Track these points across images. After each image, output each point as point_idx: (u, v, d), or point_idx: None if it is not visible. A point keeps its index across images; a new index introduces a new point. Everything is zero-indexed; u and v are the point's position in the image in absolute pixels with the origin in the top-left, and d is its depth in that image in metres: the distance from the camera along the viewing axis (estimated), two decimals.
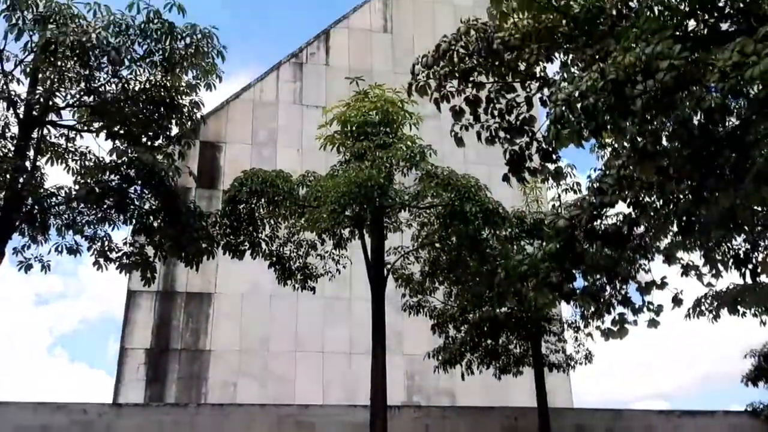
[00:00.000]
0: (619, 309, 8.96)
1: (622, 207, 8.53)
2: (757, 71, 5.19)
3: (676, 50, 5.72)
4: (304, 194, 12.81)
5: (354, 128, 13.18)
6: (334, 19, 25.56)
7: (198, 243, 11.72)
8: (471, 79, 9.28)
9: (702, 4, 7.18)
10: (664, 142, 7.58)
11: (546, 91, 9.40)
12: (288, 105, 24.18)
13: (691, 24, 7.83)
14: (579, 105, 6.14)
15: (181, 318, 20.84)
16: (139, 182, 11.37)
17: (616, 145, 8.40)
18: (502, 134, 9.36)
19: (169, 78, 11.65)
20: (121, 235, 36.50)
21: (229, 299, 21.09)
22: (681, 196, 8.04)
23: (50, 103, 10.95)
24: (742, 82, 5.38)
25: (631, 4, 8.56)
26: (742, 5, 7.47)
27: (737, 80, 5.35)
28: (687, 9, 7.48)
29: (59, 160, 11.91)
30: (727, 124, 6.75)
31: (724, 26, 8.04)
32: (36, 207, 10.56)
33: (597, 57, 8.07)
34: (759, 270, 9.11)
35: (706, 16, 7.59)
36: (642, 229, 8.64)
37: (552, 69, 9.57)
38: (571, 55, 9.32)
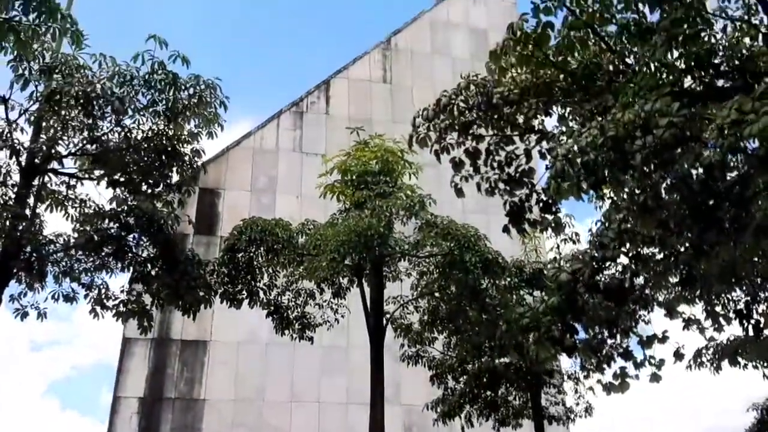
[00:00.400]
0: (621, 362, 8.88)
1: (623, 258, 8.55)
2: (755, 129, 5.26)
3: (674, 108, 5.81)
4: (303, 242, 12.80)
5: (354, 177, 13.26)
6: (334, 70, 25.99)
7: (196, 292, 11.65)
8: (471, 131, 9.39)
9: (698, 61, 7.32)
10: (664, 195, 7.64)
11: (545, 144, 9.52)
12: (288, 152, 24.39)
13: (687, 80, 8.00)
14: (579, 160, 6.20)
15: (175, 366, 20.57)
16: (138, 230, 11.37)
17: (615, 198, 8.45)
18: (501, 186, 9.43)
19: (171, 127, 11.76)
20: (118, 282, 36.30)
21: (224, 347, 20.86)
22: (681, 249, 8.05)
23: (52, 151, 11.03)
24: (741, 139, 5.44)
25: (627, 60, 8.75)
26: (737, 63, 7.63)
27: (736, 137, 5.42)
28: (683, 66, 7.64)
29: (59, 207, 11.93)
30: (726, 178, 6.81)
31: (720, 82, 8.22)
32: (34, 255, 10.53)
33: (595, 112, 8.21)
34: (762, 324, 9.07)
35: (702, 73, 7.75)
36: (642, 280, 8.63)
37: (550, 122, 9.71)
38: (568, 109, 9.49)
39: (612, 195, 8.62)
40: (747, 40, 8.01)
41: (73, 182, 11.86)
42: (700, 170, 6.55)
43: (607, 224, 7.46)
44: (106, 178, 11.53)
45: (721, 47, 7.65)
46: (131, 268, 11.63)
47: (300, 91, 25.81)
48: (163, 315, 19.75)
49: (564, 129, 8.90)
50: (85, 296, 11.57)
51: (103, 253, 11.31)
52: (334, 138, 22.71)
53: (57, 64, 10.52)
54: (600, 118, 8.25)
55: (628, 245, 7.15)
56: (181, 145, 11.94)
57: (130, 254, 11.52)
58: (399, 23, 27.46)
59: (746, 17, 7.71)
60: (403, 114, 24.60)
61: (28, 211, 11.02)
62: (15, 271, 10.64)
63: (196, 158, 12.29)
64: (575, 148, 6.16)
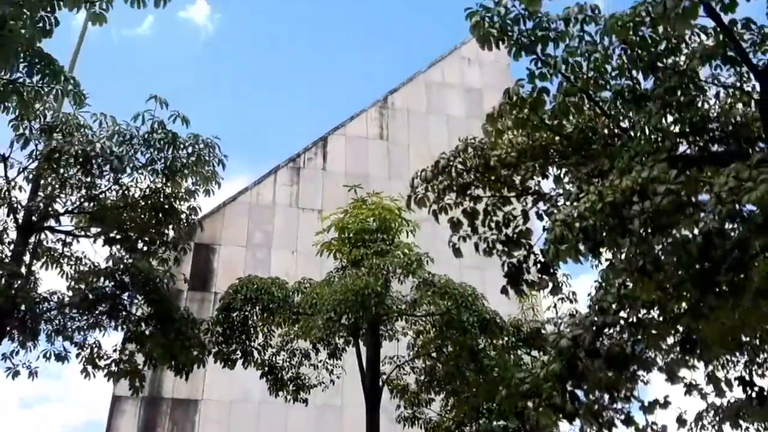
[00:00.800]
0: (622, 428, 8.72)
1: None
2: (754, 197, 5.30)
3: (671, 175, 5.87)
4: (299, 301, 12.68)
5: (351, 235, 13.25)
6: (331, 127, 26.30)
7: (189, 352, 11.49)
8: (468, 192, 9.45)
9: (693, 127, 7.45)
10: (662, 257, 7.64)
11: (541, 205, 9.58)
12: (284, 208, 24.44)
13: (682, 145, 8.12)
14: (578, 225, 6.21)
15: (166, 425, 20.08)
16: (134, 288, 11.29)
17: (613, 260, 8.45)
18: (499, 247, 9.44)
19: (169, 185, 11.81)
20: (111, 340, 35.80)
21: (216, 406, 20.41)
22: (681, 313, 8.00)
23: (50, 209, 11.04)
24: (740, 206, 5.48)
25: (622, 124, 8.89)
26: (731, 128, 7.76)
27: (734, 205, 5.45)
28: (678, 131, 7.76)
29: (54, 265, 11.89)
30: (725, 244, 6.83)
31: (715, 147, 8.34)
32: (28, 313, 10.42)
33: (592, 175, 8.29)
34: (766, 392, 8.97)
35: (697, 138, 7.87)
36: (643, 343, 8.55)
37: (547, 183, 9.80)
38: (564, 170, 9.59)
39: (610, 257, 8.65)
40: (740, 105, 8.18)
41: (69, 240, 11.86)
42: (699, 237, 6.56)
43: (606, 288, 7.44)
44: (102, 236, 11.53)
45: (714, 113, 7.79)
46: (125, 327, 11.50)
47: (297, 147, 26.06)
48: (154, 373, 19.37)
49: (561, 191, 8.97)
50: (77, 355, 11.42)
51: (97, 312, 11.22)
52: (330, 194, 22.82)
53: (58, 123, 10.64)
54: (597, 181, 8.37)
55: (628, 310, 7.14)
56: (178, 202, 11.99)
57: (124, 312, 11.41)
58: (395, 83, 27.95)
59: (738, 84, 7.87)
60: (400, 170, 24.84)
61: (23, 269, 10.96)
62: (8, 329, 10.52)
63: (192, 215, 12.33)
64: (574, 213, 6.18)
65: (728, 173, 5.64)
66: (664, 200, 5.74)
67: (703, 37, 7.54)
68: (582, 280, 40.02)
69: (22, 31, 7.85)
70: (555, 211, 8.86)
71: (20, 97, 8.63)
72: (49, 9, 8.26)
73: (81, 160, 10.48)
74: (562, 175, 9.60)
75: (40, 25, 8.17)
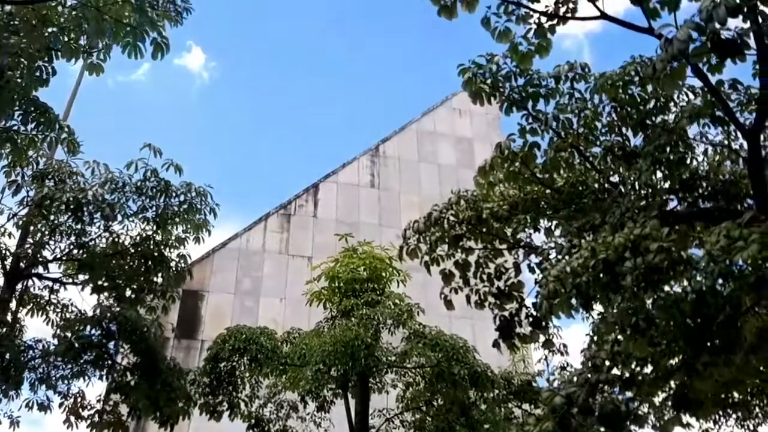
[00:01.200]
0: None
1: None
2: (746, 255, 5.33)
3: (664, 232, 5.91)
4: (287, 352, 12.51)
5: (342, 284, 13.19)
6: (323, 174, 26.43)
7: (175, 403, 11.24)
8: (460, 244, 9.46)
9: (683, 184, 7.54)
10: (654, 312, 7.64)
11: (533, 258, 9.60)
12: (274, 255, 24.33)
13: (672, 199, 8.21)
14: (570, 281, 6.22)
15: None
16: (120, 337, 11.11)
17: (605, 314, 8.43)
18: (491, 299, 9.41)
19: (159, 232, 11.76)
20: (95, 390, 35.12)
21: None
22: (674, 369, 7.95)
23: (38, 256, 10.93)
24: (731, 266, 5.51)
25: (612, 179, 8.99)
26: (720, 185, 7.87)
27: (726, 264, 5.48)
28: (668, 187, 7.85)
29: (40, 312, 11.72)
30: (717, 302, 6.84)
31: (703, 202, 8.44)
32: (12, 362, 10.20)
33: (583, 229, 8.33)
34: None
35: (687, 195, 7.96)
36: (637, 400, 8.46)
37: (538, 237, 9.83)
38: (555, 222, 9.64)
39: (602, 310, 8.63)
40: (728, 163, 8.30)
41: (56, 287, 11.71)
42: (692, 295, 6.57)
43: (598, 342, 7.39)
44: (90, 284, 11.40)
45: (703, 171, 7.90)
46: (110, 377, 11.28)
47: (289, 194, 26.12)
48: (138, 423, 18.92)
49: (553, 244, 9.00)
50: (60, 405, 11.17)
51: (82, 361, 11.00)
52: (321, 241, 22.81)
53: (50, 170, 10.64)
54: (589, 236, 8.41)
55: (621, 367, 7.08)
56: (168, 250, 11.93)
57: (109, 362, 11.20)
58: (387, 131, 28.28)
59: (726, 142, 8.01)
60: (391, 218, 24.93)
61: (9, 316, 10.77)
62: None
63: (182, 263, 12.24)
64: (567, 269, 6.19)
65: (719, 232, 5.69)
66: (657, 258, 5.76)
67: (692, 96, 7.70)
68: (573, 330, 39.93)
69: (19, 80, 7.90)
70: (547, 264, 8.88)
71: (14, 144, 8.65)
72: (46, 59, 8.36)
73: (72, 207, 10.44)
74: (553, 228, 9.66)
75: (38, 74, 8.26)
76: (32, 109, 8.45)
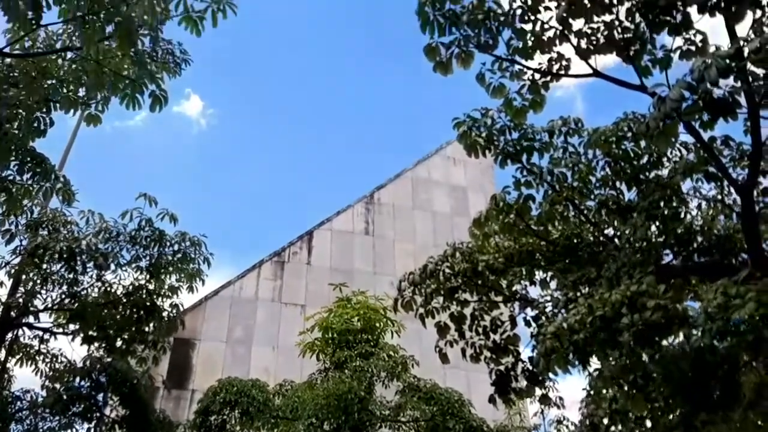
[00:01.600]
0: None
1: None
2: (743, 314, 5.32)
3: (660, 289, 5.89)
4: (279, 404, 12.28)
5: (335, 335, 13.04)
6: (318, 221, 26.42)
7: None
8: (456, 296, 9.41)
9: (678, 239, 7.56)
10: (652, 369, 7.56)
11: (529, 311, 9.54)
12: (266, 303, 24.10)
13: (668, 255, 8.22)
14: (567, 338, 6.17)
15: None
16: (110, 389, 10.92)
17: (603, 370, 8.35)
18: (487, 353, 9.32)
19: (152, 282, 11.66)
20: None
21: None
22: (673, 426, 7.84)
23: (29, 305, 10.81)
24: (729, 324, 5.48)
25: (607, 231, 9.02)
26: (714, 239, 7.89)
27: (724, 322, 5.46)
28: (663, 242, 7.87)
29: (30, 362, 11.52)
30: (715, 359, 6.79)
31: (698, 256, 8.45)
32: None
33: (579, 282, 8.31)
34: None
35: (682, 249, 7.97)
36: None
37: (534, 290, 9.80)
38: (550, 273, 9.62)
39: (599, 365, 8.55)
40: (722, 217, 8.35)
41: (47, 336, 11.54)
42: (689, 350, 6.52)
43: (596, 399, 7.31)
44: (81, 334, 11.22)
45: (698, 226, 7.93)
46: (98, 429, 11.03)
47: (283, 241, 26.02)
48: None
49: (549, 297, 8.97)
50: None
51: (70, 413, 10.79)
52: (314, 289, 22.66)
53: (44, 219, 10.60)
54: (584, 288, 8.38)
55: (620, 425, 6.99)
56: (160, 299, 11.80)
57: (98, 414, 10.98)
58: (382, 179, 28.41)
59: (720, 197, 8.07)
60: (385, 266, 24.84)
61: None
62: None
63: (174, 312, 12.10)
64: (564, 325, 6.15)
65: (716, 289, 5.68)
66: (654, 315, 5.73)
67: (685, 152, 7.79)
68: (570, 382, 39.44)
69: (17, 131, 7.93)
70: (543, 319, 8.84)
71: (9, 194, 8.62)
72: (45, 110, 8.41)
73: (65, 256, 10.37)
74: (548, 280, 9.63)
75: (35, 125, 8.30)
76: (29, 159, 8.45)
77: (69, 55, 8.35)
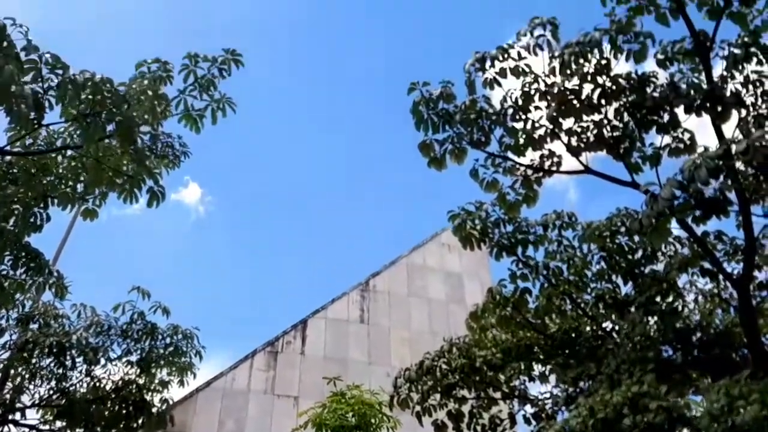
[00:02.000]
0: None
1: None
2: (748, 417, 5.19)
3: (662, 390, 5.78)
4: None
5: None
6: (312, 309, 26.14)
7: None
8: (453, 393, 9.22)
9: (677, 333, 7.48)
10: None
11: (528, 408, 9.33)
12: (259, 394, 23.46)
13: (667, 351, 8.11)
14: None
15: None
16: None
17: None
18: None
19: (142, 376, 11.41)
20: None
21: None
22: None
23: (16, 402, 10.50)
24: (733, 427, 5.34)
25: (604, 325, 8.94)
26: (713, 334, 7.82)
27: (728, 425, 5.32)
28: (662, 337, 7.78)
29: None
30: None
31: (698, 351, 8.33)
32: None
33: (579, 378, 8.16)
34: None
35: (680, 344, 7.88)
36: None
37: (533, 386, 9.63)
38: (548, 366, 9.46)
39: None
40: (719, 311, 8.31)
41: None
42: None
43: None
44: (68, 431, 10.86)
45: (695, 320, 7.88)
46: None
47: (276, 330, 25.64)
48: None
49: (548, 395, 8.81)
50: None
51: None
52: (308, 380, 22.11)
53: (36, 313, 10.46)
54: (584, 383, 8.22)
55: None
56: (150, 394, 11.52)
57: None
58: (377, 266, 28.34)
59: (716, 291, 8.05)
60: (380, 355, 24.36)
61: None
62: None
63: (163, 407, 11.79)
64: (566, 428, 5.99)
65: (719, 389, 5.58)
66: (658, 418, 5.60)
67: (678, 246, 7.83)
68: None
69: (12, 227, 7.94)
70: (543, 415, 8.63)
71: (2, 289, 8.54)
72: (42, 205, 8.45)
73: (55, 351, 10.19)
74: (547, 373, 9.48)
75: (32, 220, 8.32)
76: (23, 254, 8.43)
77: (69, 152, 8.46)
